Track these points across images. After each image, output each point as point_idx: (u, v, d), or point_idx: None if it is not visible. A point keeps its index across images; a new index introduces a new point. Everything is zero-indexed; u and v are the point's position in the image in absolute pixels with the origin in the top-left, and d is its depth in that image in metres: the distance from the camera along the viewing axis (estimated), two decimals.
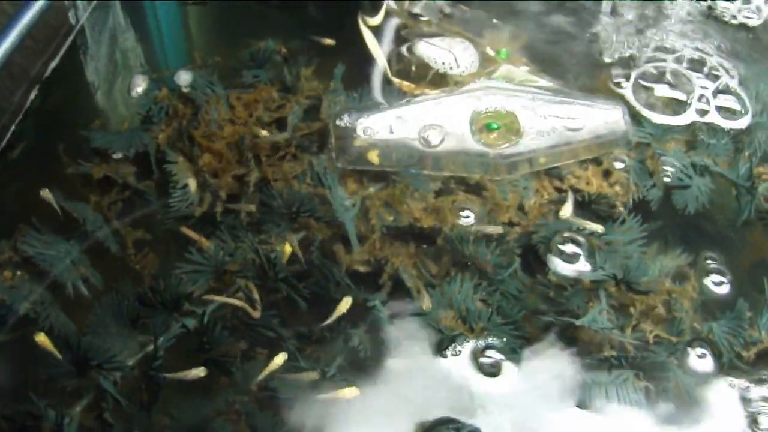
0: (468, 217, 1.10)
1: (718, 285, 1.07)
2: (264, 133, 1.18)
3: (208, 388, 0.97)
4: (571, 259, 1.06)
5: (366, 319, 1.02)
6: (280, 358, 0.98)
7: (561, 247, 1.07)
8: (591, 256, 1.07)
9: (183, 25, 1.43)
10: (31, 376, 0.97)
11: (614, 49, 1.32)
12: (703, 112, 1.24)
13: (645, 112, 1.23)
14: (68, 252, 1.07)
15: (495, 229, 1.09)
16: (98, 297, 1.03)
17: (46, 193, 1.10)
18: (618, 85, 1.27)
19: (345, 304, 1.02)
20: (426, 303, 1.02)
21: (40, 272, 1.06)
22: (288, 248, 1.06)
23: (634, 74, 1.28)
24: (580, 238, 1.08)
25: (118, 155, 1.17)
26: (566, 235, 1.08)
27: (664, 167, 1.17)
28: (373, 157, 1.13)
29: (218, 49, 1.32)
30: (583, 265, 1.06)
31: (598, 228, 1.09)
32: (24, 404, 0.93)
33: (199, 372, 0.96)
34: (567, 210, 1.10)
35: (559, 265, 1.06)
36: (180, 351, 0.99)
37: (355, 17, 1.35)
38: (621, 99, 1.24)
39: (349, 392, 0.96)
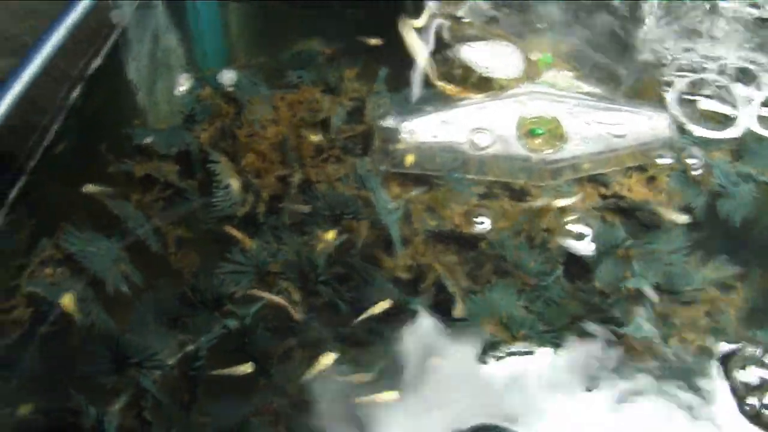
0: (482, 223, 1.10)
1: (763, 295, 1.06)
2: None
3: (247, 388, 0.96)
4: None
5: (407, 323, 1.01)
6: (328, 358, 0.98)
7: None
8: None
9: (224, 26, 1.44)
10: (71, 372, 0.97)
11: (659, 54, 1.31)
12: (748, 122, 1.23)
13: (689, 125, 1.22)
14: (109, 250, 1.08)
15: None
16: (138, 295, 1.04)
17: (89, 188, 1.10)
18: (663, 93, 1.26)
19: (381, 305, 1.02)
20: (459, 311, 1.02)
21: (81, 269, 1.06)
22: (331, 235, 1.06)
23: (677, 83, 1.27)
24: None
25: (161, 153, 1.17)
26: None
27: (709, 176, 1.16)
28: (409, 160, 1.13)
29: (260, 50, 1.33)
30: None
31: None
32: (64, 401, 0.94)
33: (247, 368, 0.97)
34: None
35: None
36: (220, 351, 0.99)
37: (398, 19, 1.35)
38: (665, 107, 1.23)
39: (389, 396, 0.96)
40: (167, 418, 0.94)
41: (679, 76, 1.28)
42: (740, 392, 0.96)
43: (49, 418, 0.94)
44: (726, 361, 0.98)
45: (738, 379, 0.97)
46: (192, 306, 1.02)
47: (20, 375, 0.98)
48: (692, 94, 1.26)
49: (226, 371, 0.97)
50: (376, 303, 1.02)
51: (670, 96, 1.26)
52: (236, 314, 1.01)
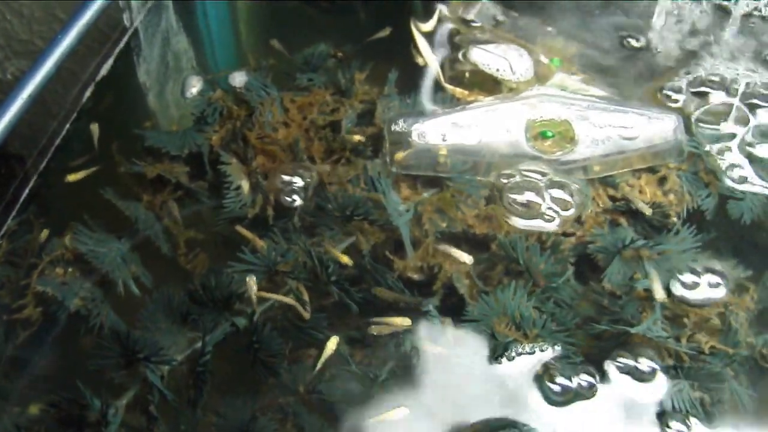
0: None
1: None
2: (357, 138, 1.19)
3: (255, 387, 0.97)
4: None
5: (419, 324, 1.01)
6: (332, 343, 0.99)
7: None
8: None
9: (234, 28, 1.44)
10: (79, 368, 0.98)
11: (668, 57, 1.32)
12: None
13: (699, 126, 1.22)
14: (119, 250, 1.08)
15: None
16: (148, 294, 1.05)
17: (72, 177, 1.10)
18: (673, 95, 1.26)
19: (401, 321, 1.02)
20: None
21: (91, 269, 1.07)
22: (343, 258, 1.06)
23: (687, 84, 1.27)
24: None
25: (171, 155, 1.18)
26: None
27: (718, 178, 1.16)
28: (443, 153, 1.13)
29: (270, 52, 1.33)
30: None
31: None
32: (71, 395, 0.94)
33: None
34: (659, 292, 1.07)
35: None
36: (229, 349, 1.00)
37: (408, 22, 1.35)
38: (675, 109, 1.23)
39: (399, 413, 0.96)
40: (174, 414, 0.95)
41: (690, 78, 1.29)
42: None
43: (55, 411, 0.95)
44: None
45: None
46: (202, 304, 1.02)
47: (29, 373, 0.99)
48: (702, 96, 1.27)
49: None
50: (387, 304, 1.03)
51: (680, 98, 1.26)
52: (245, 313, 1.01)
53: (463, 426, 0.94)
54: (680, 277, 1.04)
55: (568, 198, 1.10)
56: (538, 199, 1.10)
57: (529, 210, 1.10)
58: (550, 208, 1.10)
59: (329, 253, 1.06)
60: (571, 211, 1.10)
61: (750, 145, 1.20)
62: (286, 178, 1.13)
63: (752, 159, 1.18)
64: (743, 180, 1.15)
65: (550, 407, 0.95)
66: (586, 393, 0.96)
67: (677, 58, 1.32)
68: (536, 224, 1.09)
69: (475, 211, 1.10)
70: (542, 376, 0.97)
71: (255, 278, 1.03)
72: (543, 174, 1.12)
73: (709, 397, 0.96)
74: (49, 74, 1.07)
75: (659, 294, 1.02)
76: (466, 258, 1.06)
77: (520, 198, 1.10)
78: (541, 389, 0.96)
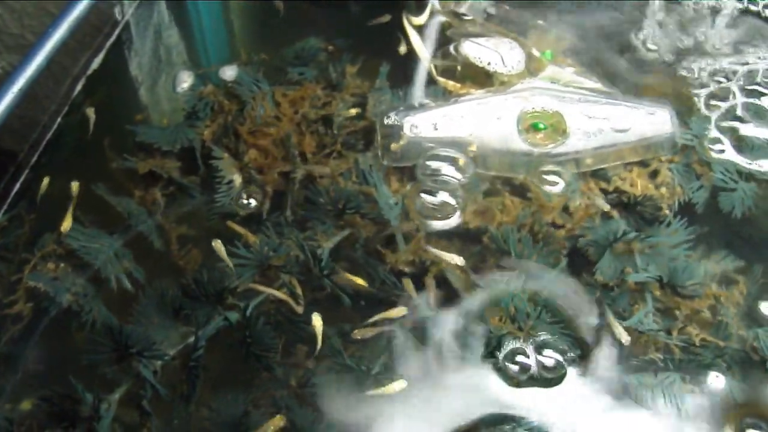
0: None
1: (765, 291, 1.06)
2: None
3: (248, 382, 0.97)
4: None
5: (411, 318, 1.01)
6: (317, 319, 1.00)
7: None
8: None
9: (225, 23, 1.44)
10: (71, 364, 0.98)
11: (661, 50, 1.32)
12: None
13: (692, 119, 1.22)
14: (112, 246, 1.08)
15: None
16: (141, 291, 1.04)
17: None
18: (665, 88, 1.26)
19: (397, 311, 1.02)
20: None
21: (83, 265, 1.07)
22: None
23: (680, 77, 1.27)
24: None
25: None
26: None
27: (710, 170, 1.16)
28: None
29: (261, 47, 1.32)
30: None
31: None
32: (63, 390, 0.95)
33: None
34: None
35: None
36: (222, 344, 1.00)
37: (400, 16, 1.35)
38: (667, 102, 1.23)
39: (397, 386, 0.97)
40: (166, 409, 0.95)
41: (683, 70, 1.29)
42: None
43: (47, 406, 0.95)
44: None
45: None
46: (194, 299, 1.02)
47: (20, 369, 0.99)
48: (695, 88, 1.27)
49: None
50: (379, 297, 1.03)
51: (672, 90, 1.26)
52: (238, 307, 1.01)
53: (458, 421, 0.94)
54: None
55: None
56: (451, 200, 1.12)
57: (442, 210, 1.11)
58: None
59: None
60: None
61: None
62: None
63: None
64: None
65: (547, 402, 0.96)
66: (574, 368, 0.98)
67: (670, 49, 1.32)
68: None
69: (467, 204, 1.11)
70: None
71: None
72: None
73: (700, 389, 0.97)
74: (40, 68, 1.07)
75: (624, 337, 1.02)
76: (458, 260, 1.06)
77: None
78: (532, 381, 0.97)
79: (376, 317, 1.01)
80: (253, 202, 1.12)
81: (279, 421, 0.94)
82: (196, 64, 1.33)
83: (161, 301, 1.03)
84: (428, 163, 1.14)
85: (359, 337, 0.99)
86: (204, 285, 1.03)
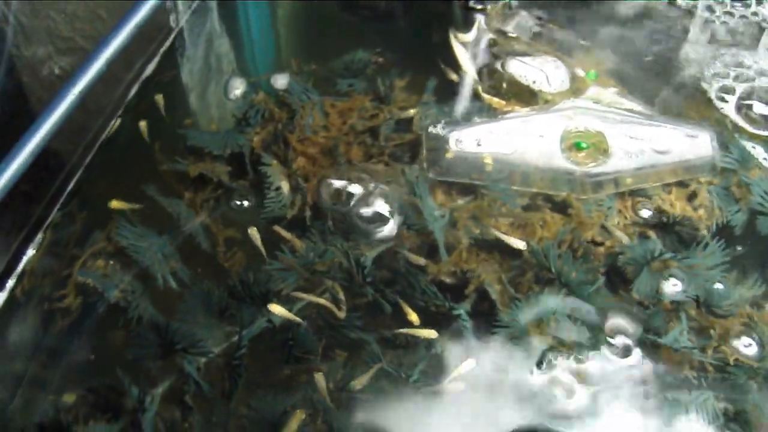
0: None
1: None
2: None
3: (288, 384, 0.99)
4: None
5: (450, 328, 1.03)
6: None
7: None
8: None
9: (274, 33, 1.46)
10: (116, 357, 1.00)
11: (706, 71, 1.32)
12: None
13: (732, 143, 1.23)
14: (160, 245, 1.10)
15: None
16: (187, 290, 1.07)
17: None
18: (707, 110, 1.27)
19: (428, 333, 1.03)
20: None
21: (131, 263, 1.09)
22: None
23: (722, 99, 1.28)
24: None
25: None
26: None
27: (749, 193, 1.17)
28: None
29: (310, 58, 1.35)
30: None
31: None
32: (108, 383, 0.97)
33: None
34: None
35: None
36: (264, 345, 1.02)
37: (447, 32, 1.37)
38: (709, 124, 1.24)
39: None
40: (208, 405, 0.97)
41: (724, 93, 1.30)
42: None
43: (93, 395, 0.97)
44: None
45: None
46: (239, 300, 1.05)
47: (66, 361, 1.01)
48: (739, 110, 1.28)
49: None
50: (420, 307, 1.04)
51: (713, 113, 1.27)
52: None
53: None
54: None
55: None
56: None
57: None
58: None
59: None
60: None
61: None
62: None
63: None
64: None
65: (585, 415, 0.97)
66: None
67: (714, 71, 1.33)
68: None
69: (510, 219, 1.12)
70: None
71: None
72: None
73: (733, 407, 0.98)
74: (100, 72, 1.09)
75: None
76: (521, 244, 1.08)
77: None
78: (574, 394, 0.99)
79: (404, 330, 1.03)
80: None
81: (301, 415, 0.96)
82: (245, 73, 1.35)
83: (207, 300, 1.05)
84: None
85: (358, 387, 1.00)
86: (250, 287, 1.05)
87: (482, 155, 1.16)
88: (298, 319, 1.02)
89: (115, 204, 1.14)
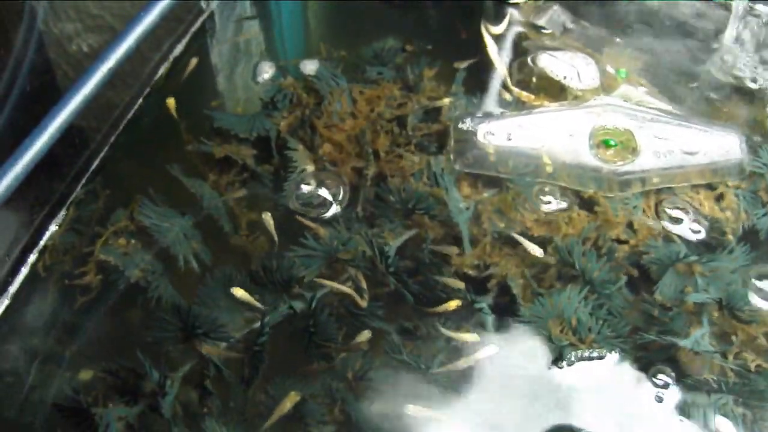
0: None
1: None
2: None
3: (307, 372, 0.99)
4: None
5: (471, 321, 1.03)
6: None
7: None
8: None
9: (303, 18, 1.46)
10: (134, 337, 1.01)
11: (736, 74, 1.32)
12: None
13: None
14: (182, 225, 1.10)
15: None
16: (208, 271, 1.07)
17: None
18: (738, 111, 1.26)
19: (452, 303, 1.03)
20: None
21: (153, 242, 1.09)
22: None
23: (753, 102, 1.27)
24: None
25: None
26: None
27: None
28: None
29: (339, 44, 1.35)
30: None
31: None
32: (128, 364, 0.97)
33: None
34: None
35: None
36: (285, 331, 1.02)
37: (479, 24, 1.37)
38: (738, 126, 1.23)
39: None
40: (227, 390, 0.97)
41: (757, 95, 1.29)
42: None
43: (113, 377, 0.97)
44: None
45: None
46: (262, 285, 1.05)
47: (86, 338, 1.02)
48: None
49: None
50: (441, 298, 1.04)
51: (745, 116, 1.26)
52: (304, 297, 1.03)
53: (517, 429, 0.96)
54: None
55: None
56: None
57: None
58: None
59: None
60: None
61: None
62: None
63: None
64: None
65: (608, 413, 0.97)
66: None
67: (744, 74, 1.32)
68: None
69: (534, 215, 1.12)
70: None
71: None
72: None
73: (752, 414, 0.97)
74: (129, 50, 1.09)
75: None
76: (538, 251, 1.08)
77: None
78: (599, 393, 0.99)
79: (447, 332, 1.02)
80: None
81: (295, 397, 0.96)
82: (274, 57, 1.35)
83: (229, 284, 1.05)
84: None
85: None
86: (272, 272, 1.05)
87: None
88: (259, 305, 1.03)
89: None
